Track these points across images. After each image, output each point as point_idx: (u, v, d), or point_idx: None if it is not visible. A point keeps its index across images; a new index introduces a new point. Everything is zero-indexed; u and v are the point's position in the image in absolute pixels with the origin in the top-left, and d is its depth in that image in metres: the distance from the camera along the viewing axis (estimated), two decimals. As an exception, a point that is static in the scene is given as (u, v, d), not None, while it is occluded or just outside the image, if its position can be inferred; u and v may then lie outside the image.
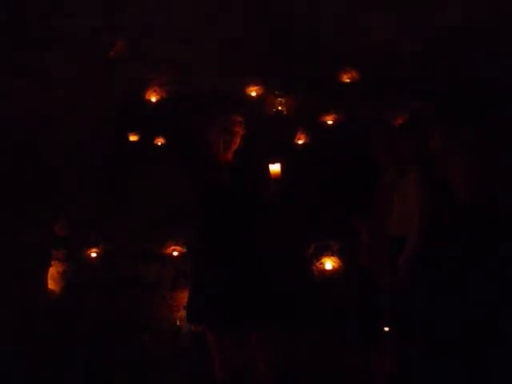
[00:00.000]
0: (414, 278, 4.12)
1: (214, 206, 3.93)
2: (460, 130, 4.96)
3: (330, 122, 6.32)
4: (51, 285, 5.68)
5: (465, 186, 4.26)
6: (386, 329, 4.86)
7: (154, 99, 6.48)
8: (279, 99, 6.36)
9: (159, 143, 6.38)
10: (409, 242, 4.22)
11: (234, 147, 4.05)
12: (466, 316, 3.95)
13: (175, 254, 6.04)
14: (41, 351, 4.62)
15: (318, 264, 5.89)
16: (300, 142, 6.31)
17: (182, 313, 5.18)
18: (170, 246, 6.04)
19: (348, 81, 6.31)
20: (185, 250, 6.02)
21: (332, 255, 5.87)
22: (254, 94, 6.47)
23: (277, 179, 3.81)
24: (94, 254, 5.99)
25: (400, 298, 4.35)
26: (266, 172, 3.85)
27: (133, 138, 6.36)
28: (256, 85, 6.42)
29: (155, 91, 6.47)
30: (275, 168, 3.82)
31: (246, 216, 3.94)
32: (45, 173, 5.46)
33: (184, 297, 5.15)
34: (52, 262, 5.74)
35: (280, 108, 6.38)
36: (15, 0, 5.05)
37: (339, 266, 5.87)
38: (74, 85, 5.63)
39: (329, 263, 5.86)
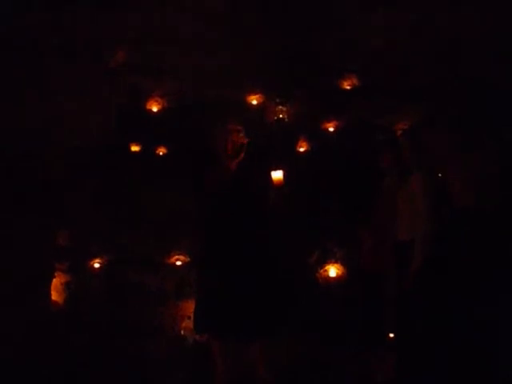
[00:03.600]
0: (417, 283, 4.10)
1: (217, 215, 3.93)
2: (461, 134, 4.93)
3: (331, 129, 6.30)
4: (54, 296, 5.67)
5: (464, 189, 4.24)
6: (391, 335, 4.86)
7: (155, 109, 6.48)
8: (280, 107, 6.35)
9: (161, 153, 6.37)
10: (416, 247, 4.21)
11: (236, 155, 4.05)
12: (468, 322, 3.91)
13: (179, 263, 6.03)
14: (43, 361, 4.62)
15: (321, 271, 5.87)
16: (302, 149, 6.30)
17: (187, 323, 5.18)
18: (173, 256, 6.04)
19: (348, 87, 6.30)
20: (188, 259, 6.02)
21: (335, 262, 5.86)
22: (254, 102, 6.46)
23: (279, 186, 3.81)
24: (97, 265, 5.99)
25: (403, 304, 4.34)
26: (268, 179, 3.85)
27: (134, 148, 6.35)
28: (256, 93, 6.42)
29: (156, 101, 6.47)
30: (278, 175, 3.82)
31: (249, 224, 3.93)
32: (46, 183, 5.45)
33: (188, 306, 5.16)
34: (55, 274, 5.74)
35: (281, 116, 6.37)
36: (16, 10, 5.06)
37: (343, 273, 5.86)
38: (75, 94, 5.63)
39: (332, 270, 5.84)
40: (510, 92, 4.95)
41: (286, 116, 6.33)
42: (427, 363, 3.77)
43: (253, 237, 3.94)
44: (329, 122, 6.26)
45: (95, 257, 6.00)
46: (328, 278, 5.83)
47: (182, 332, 5.32)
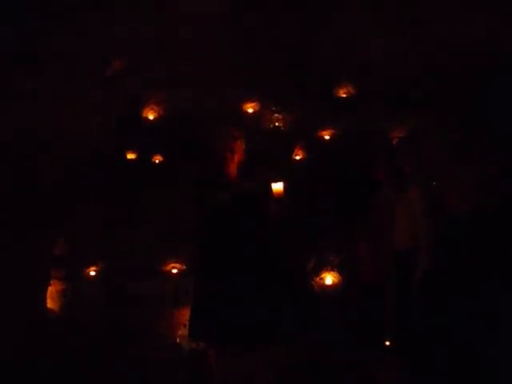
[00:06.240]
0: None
1: (216, 223, 3.92)
2: (461, 134, 4.97)
3: (327, 137, 6.33)
4: (50, 304, 5.65)
5: (464, 190, 4.28)
6: (387, 343, 4.87)
7: (151, 117, 6.49)
8: (276, 115, 6.38)
9: (157, 161, 6.38)
10: (421, 256, 4.23)
11: (235, 164, 4.06)
12: (468, 322, 3.94)
13: (174, 271, 6.02)
14: (41, 368, 4.59)
15: (317, 279, 5.88)
16: (298, 157, 6.32)
17: (182, 331, 5.14)
18: (169, 264, 6.03)
19: (344, 96, 6.33)
20: (184, 267, 6.02)
21: (332, 270, 5.86)
22: (250, 110, 6.48)
23: (279, 197, 3.81)
24: (92, 273, 5.98)
25: (403, 305, 4.36)
26: (267, 189, 3.85)
27: (130, 155, 6.36)
28: (253, 101, 6.44)
29: (152, 109, 6.49)
30: (278, 187, 3.82)
31: (247, 232, 3.93)
32: (44, 192, 5.46)
33: (184, 314, 5.12)
34: (51, 281, 5.73)
35: (277, 124, 6.39)
36: (16, 18, 5.09)
37: (339, 281, 5.86)
38: (74, 101, 5.66)
39: (329, 278, 5.85)
40: (510, 92, 4.98)
41: (282, 124, 6.36)
42: (427, 363, 3.78)
43: (253, 237, 3.93)
44: (325, 129, 6.29)
45: (91, 264, 6.00)
46: (324, 286, 5.84)
47: (178, 340, 5.28)
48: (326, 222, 5.71)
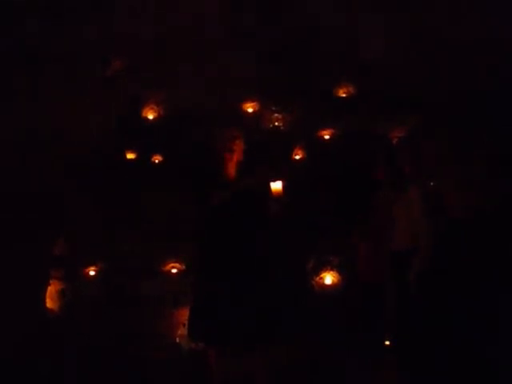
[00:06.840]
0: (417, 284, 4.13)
1: (216, 223, 3.92)
2: (459, 143, 4.98)
3: (327, 137, 6.33)
4: (49, 303, 5.65)
5: (464, 190, 4.29)
6: (387, 343, 4.88)
7: (151, 117, 6.50)
8: (276, 115, 6.39)
9: (157, 161, 6.38)
10: (419, 257, 4.24)
11: (234, 163, 4.05)
12: (468, 322, 3.94)
13: (174, 271, 6.02)
14: (41, 368, 4.59)
15: (317, 279, 5.88)
16: (298, 157, 6.32)
17: (182, 330, 5.14)
18: (169, 264, 6.03)
19: (344, 95, 6.34)
20: (184, 267, 6.02)
21: (332, 270, 5.87)
22: (250, 110, 6.49)
23: (278, 197, 3.80)
24: (92, 273, 5.98)
25: (403, 306, 4.36)
26: (267, 189, 3.84)
27: (130, 155, 6.36)
28: (253, 101, 6.44)
29: (152, 109, 6.49)
30: (277, 186, 3.81)
31: (247, 232, 3.92)
32: (44, 192, 5.46)
33: (183, 314, 5.12)
34: (51, 281, 5.73)
35: (277, 124, 6.39)
36: (15, 18, 5.10)
37: (339, 281, 5.87)
38: (74, 101, 5.66)
39: (329, 278, 5.86)
40: (510, 92, 4.99)
41: (282, 124, 6.36)
42: (427, 363, 3.79)
43: (253, 237, 3.92)
44: (325, 129, 6.30)
45: (91, 264, 6.00)
46: (324, 286, 5.84)
47: (177, 339, 5.28)
48: (326, 222, 5.72)
